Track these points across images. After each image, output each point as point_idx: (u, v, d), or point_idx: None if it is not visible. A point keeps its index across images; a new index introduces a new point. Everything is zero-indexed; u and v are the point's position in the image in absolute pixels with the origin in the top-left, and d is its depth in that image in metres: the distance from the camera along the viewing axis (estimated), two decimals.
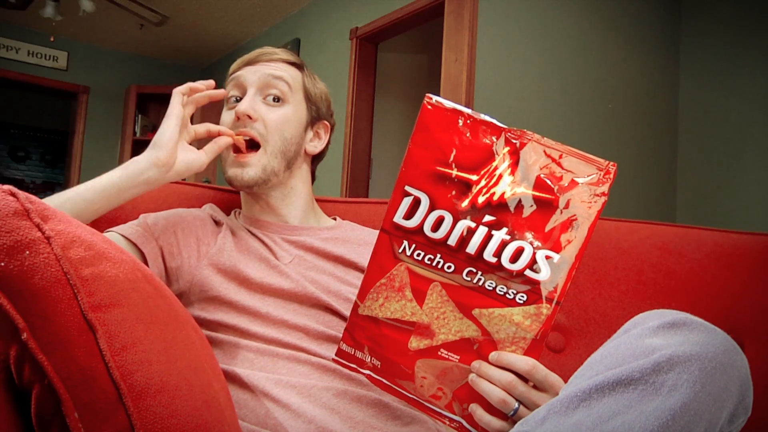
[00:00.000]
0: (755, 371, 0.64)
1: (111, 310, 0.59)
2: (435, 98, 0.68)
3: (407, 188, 0.68)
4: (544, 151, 0.67)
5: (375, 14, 3.64)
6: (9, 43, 5.20)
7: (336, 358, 0.76)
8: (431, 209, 0.68)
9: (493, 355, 0.69)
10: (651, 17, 3.52)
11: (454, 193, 0.68)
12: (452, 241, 0.68)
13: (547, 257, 0.66)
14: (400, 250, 0.70)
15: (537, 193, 0.66)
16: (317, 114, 1.10)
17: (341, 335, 0.76)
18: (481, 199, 0.67)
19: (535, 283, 0.67)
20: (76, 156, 5.50)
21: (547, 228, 0.67)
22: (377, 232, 0.71)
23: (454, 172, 0.68)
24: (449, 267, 0.68)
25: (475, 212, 0.67)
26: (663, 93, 3.58)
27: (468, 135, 0.68)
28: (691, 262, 1.28)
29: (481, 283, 0.68)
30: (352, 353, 0.75)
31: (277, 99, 1.03)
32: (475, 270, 0.68)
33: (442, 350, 0.70)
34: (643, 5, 3.48)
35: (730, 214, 3.33)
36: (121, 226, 0.97)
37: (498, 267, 0.67)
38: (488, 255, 0.67)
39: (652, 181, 3.49)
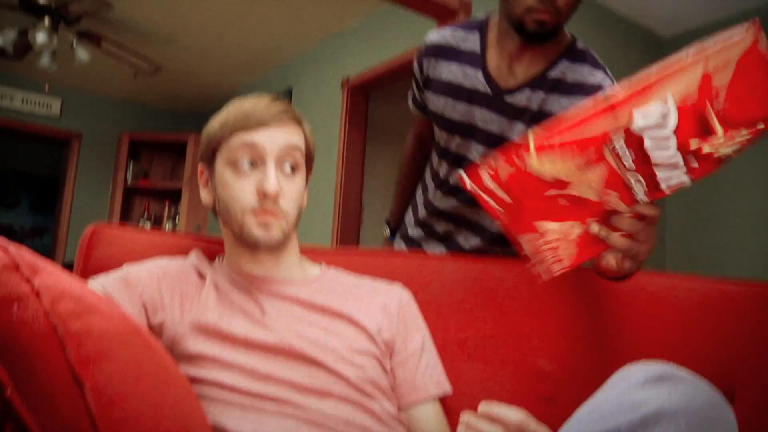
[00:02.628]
0: (747, 421, 0.64)
1: (99, 365, 0.59)
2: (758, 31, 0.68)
3: (671, 99, 0.69)
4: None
5: (366, 65, 3.71)
6: (4, 91, 5.24)
7: (471, 185, 0.79)
8: (670, 130, 0.70)
9: (482, 407, 0.69)
10: (634, 72, 3.59)
11: (698, 129, 0.70)
12: (657, 160, 0.73)
13: (681, 184, 0.78)
14: (613, 143, 0.73)
15: (732, 154, 0.73)
16: (310, 169, 1.08)
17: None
18: (703, 148, 0.71)
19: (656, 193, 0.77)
20: (67, 202, 5.49)
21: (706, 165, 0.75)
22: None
23: (715, 122, 0.69)
24: (631, 164, 0.74)
25: (688, 151, 0.72)
26: None
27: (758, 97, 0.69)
28: (681, 311, 1.28)
29: (631, 181, 0.76)
30: (487, 186, 0.78)
31: (291, 168, 0.99)
32: (641, 178, 0.76)
33: (561, 199, 0.78)
34: (625, 58, 3.57)
35: (719, 261, 3.35)
36: (102, 277, 0.96)
37: (653, 185, 0.76)
38: (662, 178, 0.75)
39: None
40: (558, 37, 1.29)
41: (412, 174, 1.66)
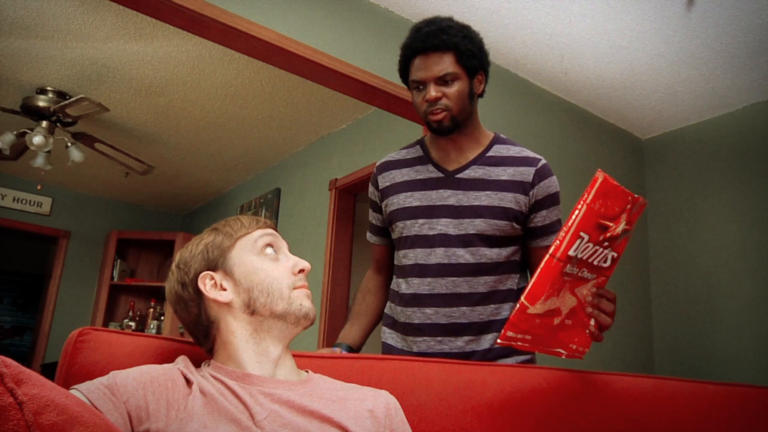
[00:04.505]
0: None
1: None
2: (606, 175, 1.06)
3: (581, 233, 1.07)
4: (633, 206, 1.14)
5: (353, 167, 3.81)
6: None
7: (501, 342, 1.10)
8: (586, 243, 1.09)
9: None
10: (617, 169, 3.72)
11: (599, 232, 1.10)
12: (586, 258, 1.12)
13: (613, 256, 1.17)
14: (567, 270, 1.10)
15: (627, 227, 1.14)
16: None
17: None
18: (609, 235, 1.11)
19: (603, 269, 1.18)
20: (51, 300, 5.42)
21: (620, 241, 1.16)
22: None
23: (605, 222, 1.09)
24: (576, 270, 1.12)
25: (603, 241, 1.12)
26: (634, 243, 3.70)
27: (617, 199, 1.10)
28: (669, 413, 1.28)
29: (583, 274, 1.15)
30: (515, 336, 1.10)
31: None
32: (585, 269, 1.14)
33: (565, 320, 1.16)
34: (609, 158, 3.69)
35: (707, 361, 3.34)
36: (88, 384, 0.94)
37: (596, 267, 1.16)
38: (596, 261, 1.15)
39: (629, 330, 3.51)
40: (478, 130, 1.65)
41: (365, 298, 1.81)
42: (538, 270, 1.08)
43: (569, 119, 3.56)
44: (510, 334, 1.10)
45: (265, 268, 1.07)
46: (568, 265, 1.10)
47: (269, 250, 1.09)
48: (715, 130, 3.57)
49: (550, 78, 3.33)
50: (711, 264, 3.43)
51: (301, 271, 1.08)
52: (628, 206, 1.12)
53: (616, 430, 1.25)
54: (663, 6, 2.67)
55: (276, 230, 1.14)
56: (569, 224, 1.07)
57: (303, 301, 1.06)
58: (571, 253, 1.08)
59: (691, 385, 1.35)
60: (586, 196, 1.06)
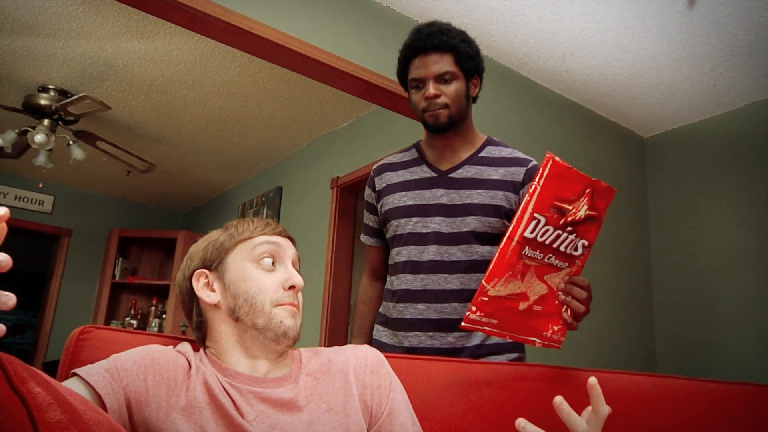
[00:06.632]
0: None
1: None
2: (555, 156, 1.07)
3: (535, 214, 1.08)
4: (596, 192, 1.13)
5: (354, 166, 3.81)
6: None
7: (465, 324, 1.10)
8: (545, 226, 1.09)
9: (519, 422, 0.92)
10: (619, 167, 3.72)
11: (557, 215, 1.10)
12: (549, 242, 1.11)
13: (583, 244, 1.17)
14: (524, 252, 1.10)
15: (592, 213, 1.14)
16: None
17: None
18: (570, 219, 1.11)
19: (574, 257, 1.18)
20: (53, 298, 5.43)
21: (589, 228, 1.15)
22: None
23: (562, 204, 1.09)
24: (540, 255, 1.12)
25: (565, 226, 1.12)
26: (636, 241, 3.70)
27: (573, 182, 1.10)
28: (670, 411, 1.28)
29: (551, 261, 1.15)
30: (479, 320, 1.10)
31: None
32: (552, 255, 1.14)
33: (534, 306, 1.16)
34: (611, 156, 3.69)
35: (709, 359, 3.33)
36: (88, 367, 0.94)
37: (563, 253, 1.15)
38: (562, 247, 1.14)
39: (631, 329, 3.51)
40: (471, 132, 1.70)
41: (370, 311, 1.84)
42: (497, 252, 1.09)
43: (571, 117, 3.55)
44: (473, 317, 1.10)
45: (255, 278, 1.05)
46: (527, 248, 1.09)
47: (266, 259, 1.07)
48: (717, 129, 3.56)
49: (552, 76, 3.33)
50: (712, 262, 3.42)
51: (292, 287, 1.05)
52: (588, 190, 1.11)
53: (618, 428, 1.24)
54: (665, 4, 2.66)
55: (288, 238, 1.13)
56: (523, 206, 1.07)
57: (284, 319, 1.03)
58: (528, 234, 1.08)
59: (693, 384, 1.35)
60: (538, 178, 1.07)
